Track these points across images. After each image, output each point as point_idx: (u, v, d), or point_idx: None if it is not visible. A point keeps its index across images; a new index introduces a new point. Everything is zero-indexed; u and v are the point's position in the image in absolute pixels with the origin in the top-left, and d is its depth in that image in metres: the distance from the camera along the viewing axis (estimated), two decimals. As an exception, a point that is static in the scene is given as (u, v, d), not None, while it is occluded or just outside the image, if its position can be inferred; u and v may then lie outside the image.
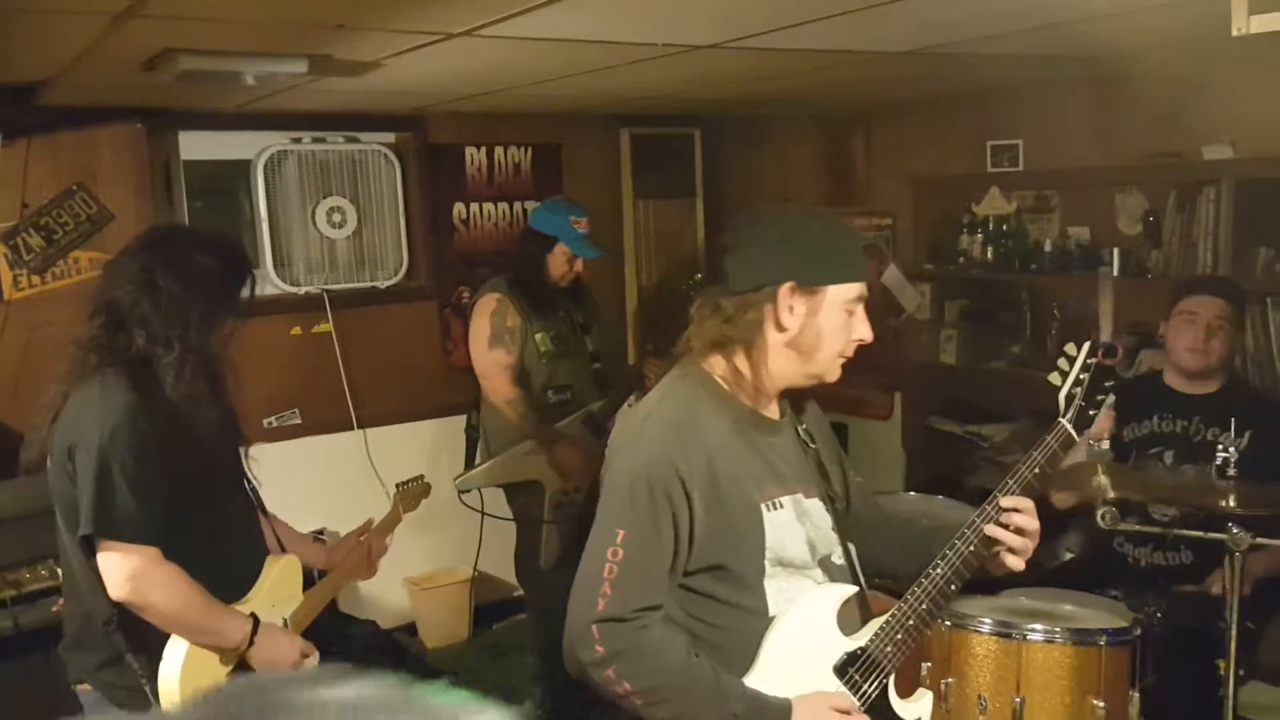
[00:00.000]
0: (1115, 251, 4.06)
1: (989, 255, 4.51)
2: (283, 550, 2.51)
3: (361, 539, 2.74)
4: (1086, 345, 2.05)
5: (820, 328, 1.86)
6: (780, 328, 1.87)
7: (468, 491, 4.06)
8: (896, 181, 4.86)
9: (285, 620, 2.38)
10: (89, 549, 2.13)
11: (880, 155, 5.02)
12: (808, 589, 1.91)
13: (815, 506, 1.98)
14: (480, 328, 3.98)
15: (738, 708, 1.77)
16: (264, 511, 2.50)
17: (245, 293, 2.34)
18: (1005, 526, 1.92)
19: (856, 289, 1.89)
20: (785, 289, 1.84)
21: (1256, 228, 3.71)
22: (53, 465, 2.21)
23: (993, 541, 1.92)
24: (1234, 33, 1.88)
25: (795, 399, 2.05)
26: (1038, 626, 2.51)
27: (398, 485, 3.00)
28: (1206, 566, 2.98)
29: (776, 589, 1.88)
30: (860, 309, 1.91)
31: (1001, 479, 1.99)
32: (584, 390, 4.08)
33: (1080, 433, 2.02)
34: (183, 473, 2.19)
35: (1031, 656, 2.47)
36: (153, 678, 2.16)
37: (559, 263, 3.99)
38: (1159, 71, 3.71)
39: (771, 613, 1.87)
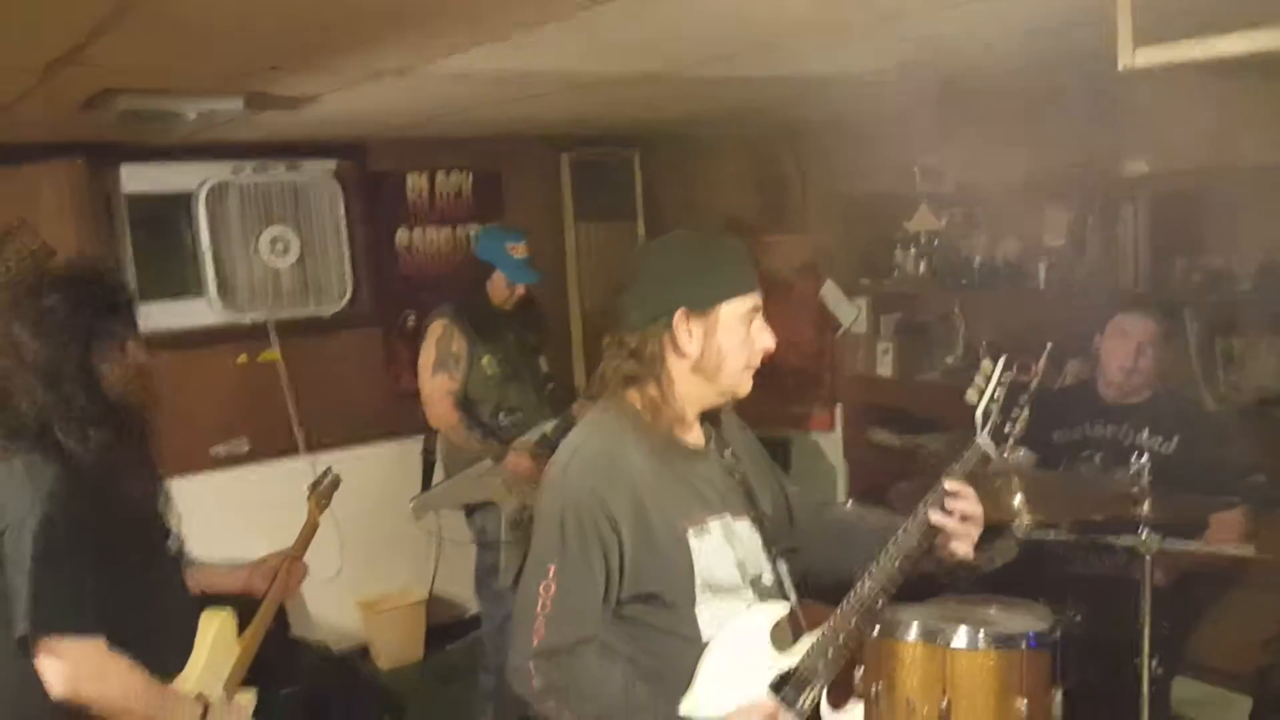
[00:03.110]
0: (1042, 265, 4.19)
1: (921, 270, 4.63)
2: (203, 592, 2.40)
3: (285, 560, 2.62)
4: (1001, 360, 2.06)
5: (720, 346, 1.90)
6: (681, 354, 1.90)
7: (423, 515, 4.10)
8: (831, 199, 4.97)
9: (223, 681, 2.27)
10: (24, 645, 1.98)
11: (815, 173, 5.13)
12: (739, 611, 1.95)
13: (744, 527, 2.02)
14: (427, 354, 4.05)
15: None
16: (186, 561, 2.38)
17: (115, 311, 2.14)
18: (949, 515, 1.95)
19: (750, 301, 1.93)
20: (678, 315, 1.88)
21: (1174, 240, 3.85)
22: None
23: (937, 531, 1.95)
24: (1120, 67, 1.98)
25: (713, 415, 2.07)
26: (961, 631, 2.58)
27: (309, 487, 2.88)
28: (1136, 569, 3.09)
29: (709, 614, 1.92)
30: (759, 319, 1.94)
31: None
32: (535, 412, 4.12)
33: (998, 447, 2.03)
34: (115, 544, 2.06)
35: (956, 661, 2.53)
36: None
37: (499, 288, 4.07)
38: (1078, 91, 3.86)
39: (705, 638, 1.91)
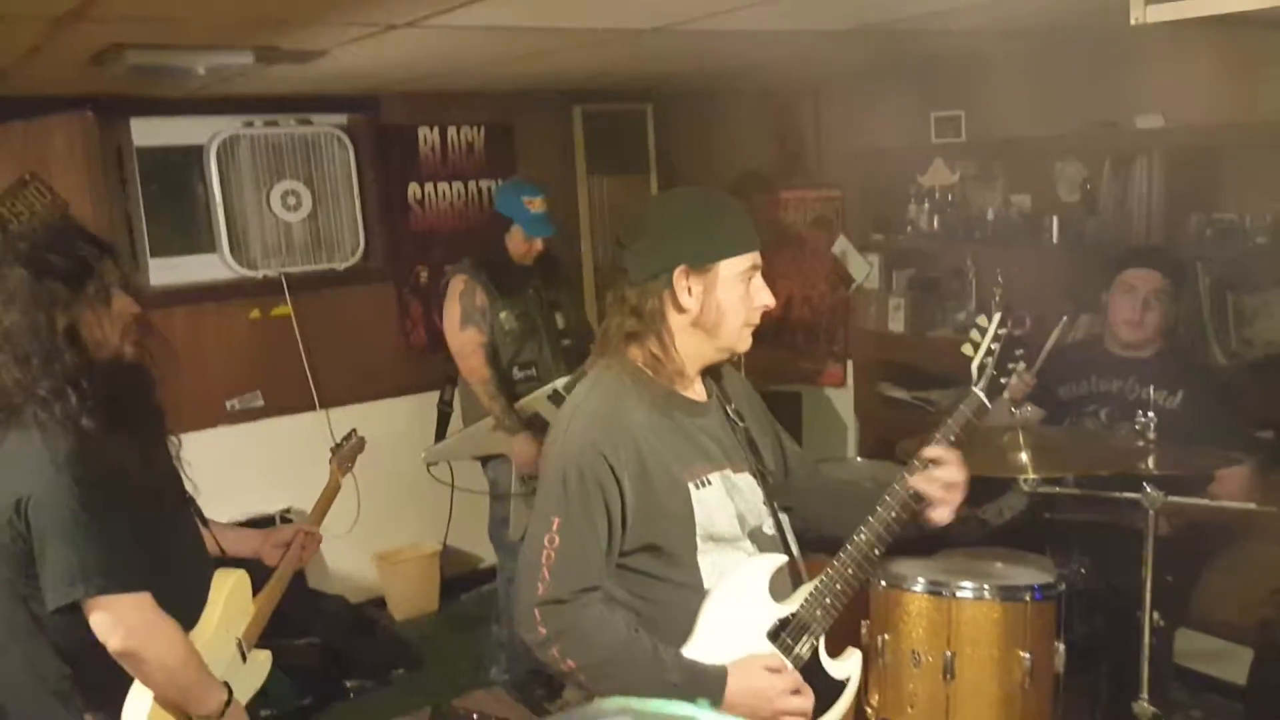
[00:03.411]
0: (1055, 219, 4.17)
1: (935, 225, 4.60)
2: (222, 552, 2.38)
3: (299, 533, 2.57)
4: (997, 316, 2.10)
5: (719, 303, 1.94)
6: (681, 310, 1.94)
7: (435, 464, 4.17)
8: (845, 154, 4.94)
9: (238, 639, 2.29)
10: (68, 609, 1.93)
11: (829, 128, 5.10)
12: (739, 561, 1.99)
13: (745, 481, 2.05)
14: (452, 309, 4.07)
15: (676, 677, 1.86)
16: (203, 521, 2.34)
17: (87, 270, 2.05)
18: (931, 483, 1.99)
19: (749, 259, 1.96)
20: (678, 273, 1.92)
21: (1187, 195, 3.82)
22: None
23: (920, 496, 2.00)
24: (1132, 22, 1.96)
25: (714, 371, 2.11)
26: (967, 584, 2.62)
27: (332, 450, 2.79)
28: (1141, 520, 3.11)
29: (709, 563, 1.96)
30: (758, 277, 1.97)
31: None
32: (550, 367, 4.15)
33: (992, 400, 2.08)
34: (136, 502, 2.03)
35: (961, 613, 2.59)
36: None
37: (517, 242, 4.08)
38: (1093, 44, 3.82)
39: (706, 586, 1.96)
